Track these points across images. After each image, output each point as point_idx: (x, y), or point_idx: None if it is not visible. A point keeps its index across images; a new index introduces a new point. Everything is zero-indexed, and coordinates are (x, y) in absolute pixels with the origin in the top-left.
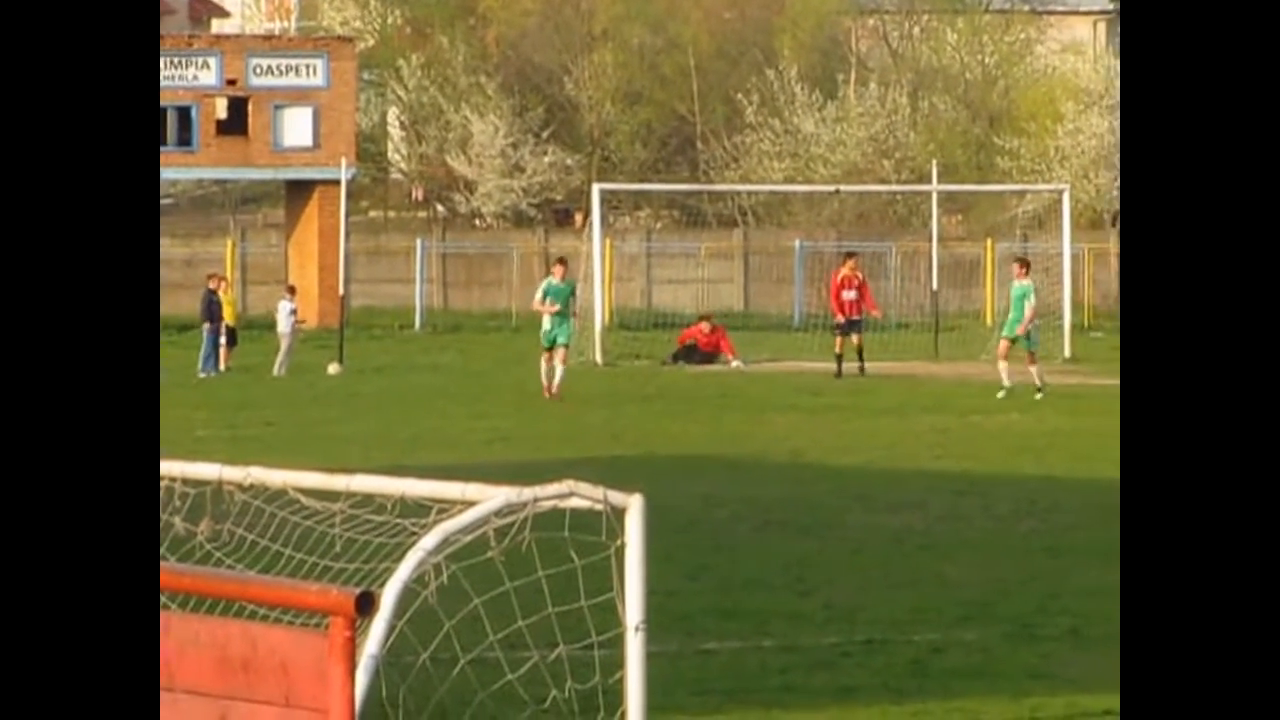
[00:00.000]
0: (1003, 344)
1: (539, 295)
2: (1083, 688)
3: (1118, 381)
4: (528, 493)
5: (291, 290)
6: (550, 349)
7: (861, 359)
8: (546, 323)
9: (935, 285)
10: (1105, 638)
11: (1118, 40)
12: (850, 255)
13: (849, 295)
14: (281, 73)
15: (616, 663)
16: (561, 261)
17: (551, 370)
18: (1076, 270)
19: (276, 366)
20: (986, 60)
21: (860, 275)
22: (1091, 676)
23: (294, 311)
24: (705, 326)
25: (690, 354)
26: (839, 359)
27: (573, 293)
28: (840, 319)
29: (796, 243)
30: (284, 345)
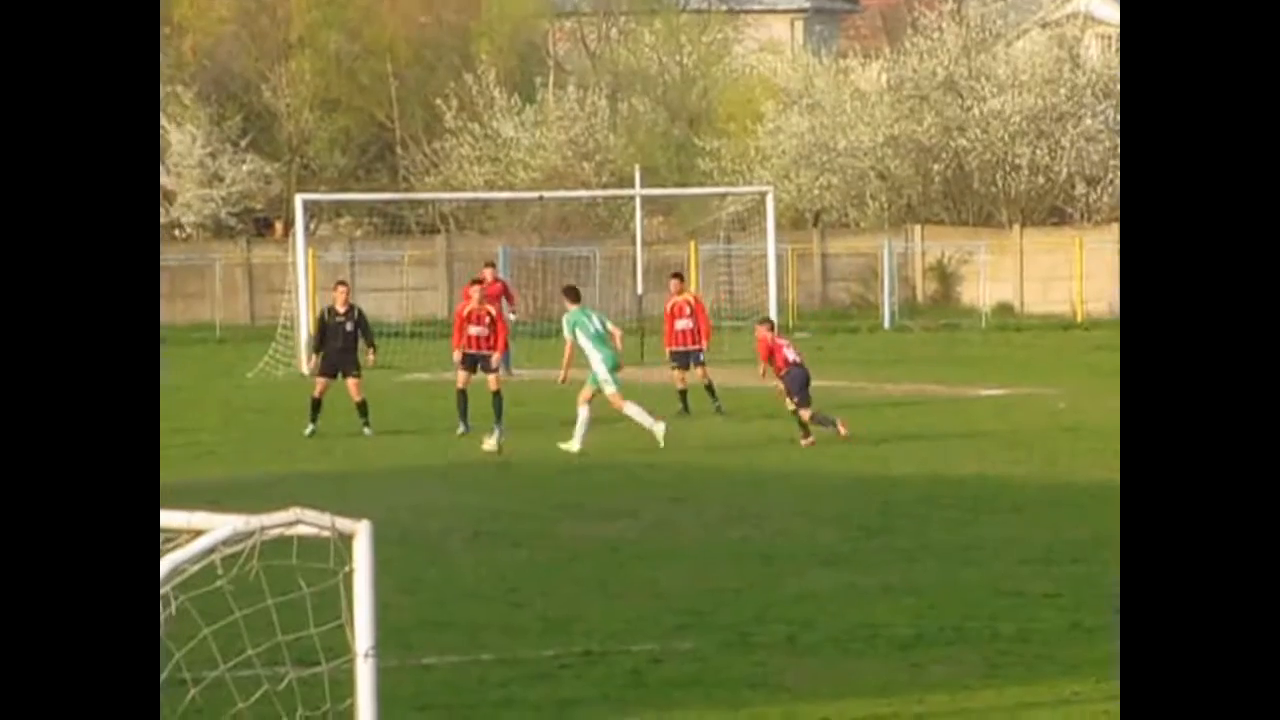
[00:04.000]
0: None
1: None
2: (800, 695)
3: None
4: (254, 521)
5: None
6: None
7: (714, 395)
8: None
9: (640, 289)
10: (820, 644)
11: (815, 39)
12: (677, 276)
13: (683, 324)
14: None
15: (347, 688)
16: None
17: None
18: (781, 271)
19: None
20: (685, 61)
21: (694, 299)
22: (808, 683)
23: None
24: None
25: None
26: (682, 395)
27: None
28: (671, 349)
29: (500, 249)
30: None
